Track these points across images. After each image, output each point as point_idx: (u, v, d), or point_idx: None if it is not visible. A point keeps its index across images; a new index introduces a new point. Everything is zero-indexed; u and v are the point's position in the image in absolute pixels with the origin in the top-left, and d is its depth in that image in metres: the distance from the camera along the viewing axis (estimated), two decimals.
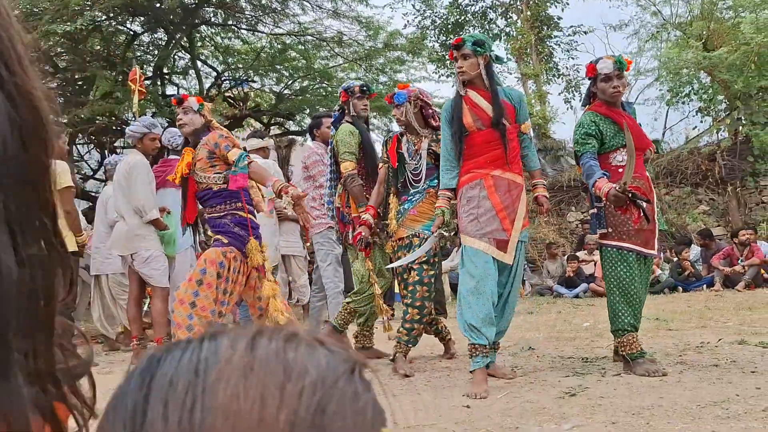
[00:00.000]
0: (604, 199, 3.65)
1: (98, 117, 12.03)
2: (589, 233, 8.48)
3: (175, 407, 0.39)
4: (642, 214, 3.63)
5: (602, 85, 3.84)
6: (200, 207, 4.19)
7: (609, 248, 3.84)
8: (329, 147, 4.94)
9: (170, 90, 14.44)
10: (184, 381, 0.40)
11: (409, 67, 14.51)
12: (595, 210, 3.91)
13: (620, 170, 3.77)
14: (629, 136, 3.53)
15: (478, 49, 3.69)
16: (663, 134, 13.50)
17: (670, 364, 3.90)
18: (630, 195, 3.53)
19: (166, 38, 13.19)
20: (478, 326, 3.58)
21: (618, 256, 3.81)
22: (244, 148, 4.18)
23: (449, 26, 16.15)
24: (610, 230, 3.83)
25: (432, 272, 4.20)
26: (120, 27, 12.99)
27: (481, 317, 3.58)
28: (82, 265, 5.87)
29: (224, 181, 3.93)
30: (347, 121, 4.76)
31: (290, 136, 14.75)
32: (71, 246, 5.18)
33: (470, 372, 3.62)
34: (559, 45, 16.10)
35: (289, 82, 14.59)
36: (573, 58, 16.78)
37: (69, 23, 9.47)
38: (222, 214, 3.96)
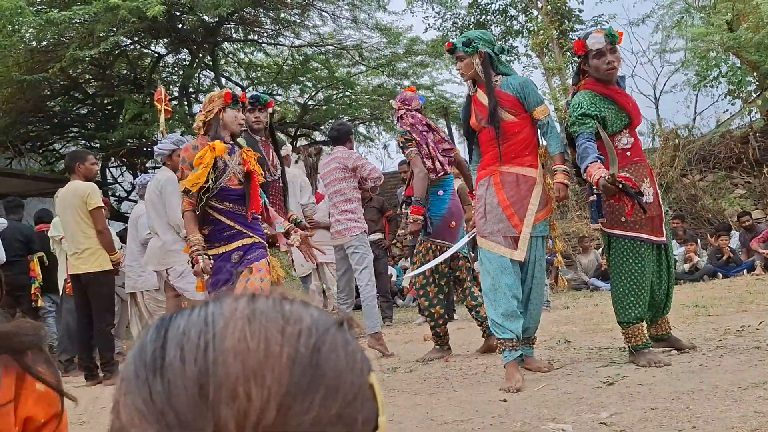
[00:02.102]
0: (594, 186, 3.45)
1: (129, 139, 12.27)
2: None
3: (190, 350, 0.45)
4: (636, 204, 3.38)
5: (595, 62, 3.57)
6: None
7: (619, 238, 3.64)
8: None
9: (196, 109, 14.67)
10: (195, 329, 0.46)
11: (433, 69, 14.51)
12: (594, 197, 3.68)
13: (628, 153, 3.65)
14: (605, 136, 3.40)
15: (467, 48, 3.66)
16: (693, 120, 13.24)
17: (710, 348, 3.83)
18: (620, 186, 3.30)
19: (190, 58, 13.41)
20: (501, 322, 3.56)
21: (629, 247, 3.62)
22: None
23: (470, 26, 16.08)
24: (604, 220, 3.65)
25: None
26: (144, 50, 13.25)
27: (501, 312, 3.57)
28: (119, 284, 5.99)
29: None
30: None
31: (319, 145, 14.87)
32: (106, 265, 5.29)
33: (504, 367, 3.60)
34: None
35: (313, 93, 14.71)
36: None
37: (95, 49, 9.70)
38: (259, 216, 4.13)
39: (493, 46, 3.72)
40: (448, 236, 4.68)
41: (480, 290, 4.53)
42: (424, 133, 4.73)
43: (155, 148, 5.51)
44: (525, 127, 3.68)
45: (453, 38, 16.19)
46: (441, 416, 3.05)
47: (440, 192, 4.71)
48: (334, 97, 14.74)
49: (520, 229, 3.63)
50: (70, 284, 5.80)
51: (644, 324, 3.72)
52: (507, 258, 3.61)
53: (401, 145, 4.82)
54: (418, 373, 4.25)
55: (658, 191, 3.78)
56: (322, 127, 15.67)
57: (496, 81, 3.70)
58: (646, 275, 3.65)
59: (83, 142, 14.31)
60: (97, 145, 13.65)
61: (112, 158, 13.05)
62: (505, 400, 3.21)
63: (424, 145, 4.68)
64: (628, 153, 3.68)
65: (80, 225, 5.33)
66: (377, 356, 5.12)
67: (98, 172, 5.62)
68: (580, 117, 3.55)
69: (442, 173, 4.70)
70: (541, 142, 3.84)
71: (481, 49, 3.64)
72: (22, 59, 9.56)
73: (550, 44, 14.91)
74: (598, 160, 3.42)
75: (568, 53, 14.09)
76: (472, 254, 5.12)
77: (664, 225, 3.72)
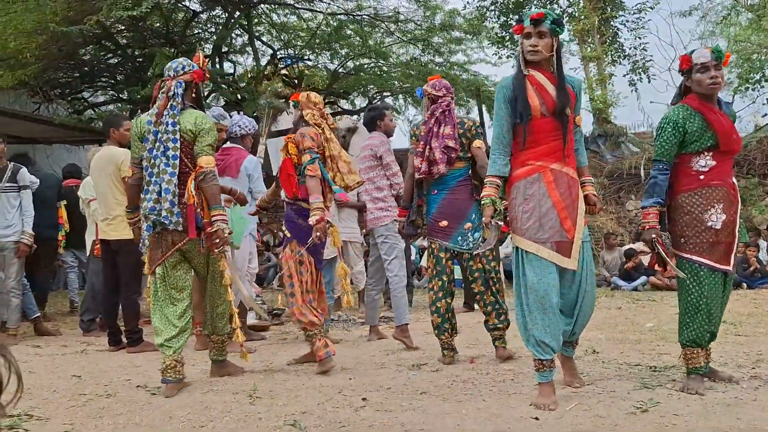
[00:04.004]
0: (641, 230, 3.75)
1: None
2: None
3: None
4: (659, 260, 3.68)
5: (699, 77, 3.57)
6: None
7: (682, 259, 3.65)
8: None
9: (228, 67, 14.56)
10: None
11: (467, 47, 14.27)
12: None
13: (701, 177, 3.59)
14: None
15: (557, 29, 3.42)
16: None
17: (744, 378, 3.77)
18: (656, 252, 3.63)
19: (225, 16, 13.25)
20: (548, 342, 3.40)
21: (689, 270, 3.61)
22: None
23: (510, 6, 15.75)
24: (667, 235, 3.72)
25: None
26: (179, 5, 13.10)
27: (549, 333, 3.40)
28: None
29: (299, 173, 4.34)
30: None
31: (352, 121, 14.76)
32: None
33: (537, 384, 3.53)
34: (625, 24, 15.52)
35: (344, 61, 14.53)
36: (639, 38, 16.04)
37: (136, 9, 9.62)
38: (290, 202, 4.40)
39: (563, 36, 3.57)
40: (440, 235, 4.50)
41: (494, 295, 4.45)
42: (433, 129, 4.52)
43: (239, 124, 5.53)
44: (572, 127, 3.56)
45: (492, 18, 15.70)
46: (472, 429, 3.02)
47: (434, 191, 4.54)
48: (366, 66, 14.56)
49: (572, 234, 3.44)
50: (98, 246, 5.81)
51: (700, 350, 3.63)
52: (554, 272, 3.41)
53: (411, 134, 4.78)
54: (444, 373, 4.22)
55: (737, 219, 3.64)
56: (350, 96, 15.53)
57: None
58: (703, 300, 3.58)
59: (111, 92, 14.29)
60: (126, 98, 13.62)
61: (139, 111, 12.98)
62: (537, 418, 3.18)
63: (422, 144, 4.53)
64: (701, 176, 3.59)
65: (113, 191, 5.31)
66: (401, 348, 5.10)
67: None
68: (667, 139, 3.63)
69: (437, 174, 4.46)
70: None
71: (560, 35, 3.46)
72: (60, 9, 9.46)
73: (590, 31, 14.59)
74: (658, 204, 3.65)
75: (607, 41, 13.81)
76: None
77: (733, 254, 3.63)
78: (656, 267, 3.72)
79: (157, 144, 3.83)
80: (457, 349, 4.62)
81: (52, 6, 9.40)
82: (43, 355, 5.23)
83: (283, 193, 4.86)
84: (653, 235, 3.64)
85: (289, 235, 4.41)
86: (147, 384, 4.07)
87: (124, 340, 5.40)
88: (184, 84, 3.94)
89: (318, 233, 4.12)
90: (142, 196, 3.97)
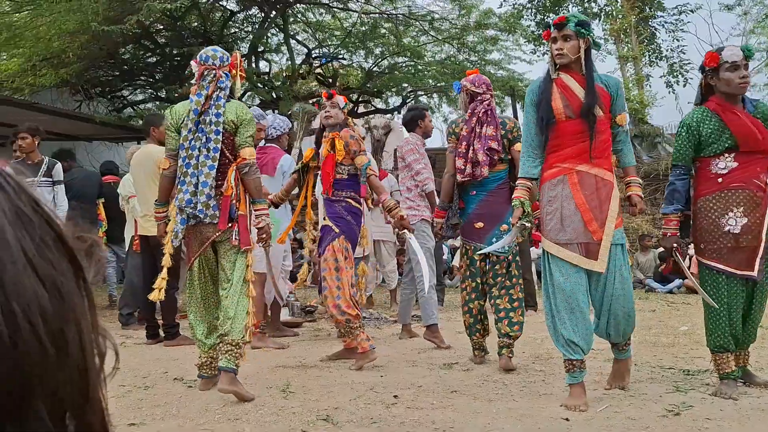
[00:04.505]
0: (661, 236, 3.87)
1: None
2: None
3: None
4: (672, 264, 3.82)
5: (728, 75, 3.50)
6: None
7: (702, 265, 3.64)
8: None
9: (263, 66, 14.74)
10: None
11: (502, 46, 14.20)
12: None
13: (719, 180, 3.56)
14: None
15: (582, 30, 3.41)
16: None
17: None
18: (675, 260, 3.79)
19: (261, 15, 13.40)
20: (577, 341, 3.40)
21: (708, 276, 3.60)
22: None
23: (547, 4, 15.60)
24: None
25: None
26: (217, 4, 13.30)
27: (579, 333, 3.41)
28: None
29: (347, 173, 4.46)
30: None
31: (386, 120, 14.80)
32: None
33: (567, 385, 3.54)
34: (663, 25, 15.24)
35: (379, 60, 14.58)
36: (678, 40, 15.75)
37: (173, 3, 9.80)
38: (338, 199, 4.46)
39: (593, 37, 3.55)
40: (475, 237, 4.48)
41: (511, 302, 4.33)
42: (475, 129, 4.46)
43: (273, 126, 5.60)
44: (608, 127, 3.53)
45: (529, 16, 15.58)
46: (503, 429, 3.04)
47: (473, 192, 4.49)
48: (400, 65, 14.59)
49: (598, 236, 3.40)
50: (137, 242, 5.95)
51: (729, 354, 3.60)
52: (582, 273, 3.42)
53: (448, 133, 4.70)
54: (476, 373, 4.25)
55: (764, 222, 3.53)
56: (384, 95, 15.57)
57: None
58: (723, 306, 3.55)
59: (150, 91, 14.55)
60: (163, 96, 13.87)
61: None
62: (567, 419, 3.19)
63: (463, 144, 4.47)
64: (720, 179, 3.55)
65: (152, 188, 5.41)
66: (432, 347, 5.13)
67: None
68: (684, 144, 3.65)
69: (480, 177, 4.42)
70: None
71: (588, 36, 3.45)
72: (101, 9, 9.68)
73: (627, 30, 14.40)
74: (678, 212, 3.68)
75: (645, 41, 13.62)
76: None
77: (758, 259, 3.53)
78: (669, 266, 3.91)
79: (198, 135, 3.68)
80: (488, 349, 4.63)
81: (94, 6, 9.62)
82: None
83: (318, 190, 4.93)
84: (673, 243, 3.70)
85: (337, 230, 4.41)
86: (183, 377, 4.17)
87: (162, 334, 5.52)
88: (230, 75, 3.82)
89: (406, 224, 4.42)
90: (177, 187, 3.80)
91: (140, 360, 4.81)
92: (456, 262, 10.47)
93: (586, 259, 3.44)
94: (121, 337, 5.87)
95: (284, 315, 6.43)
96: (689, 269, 5.09)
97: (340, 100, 4.57)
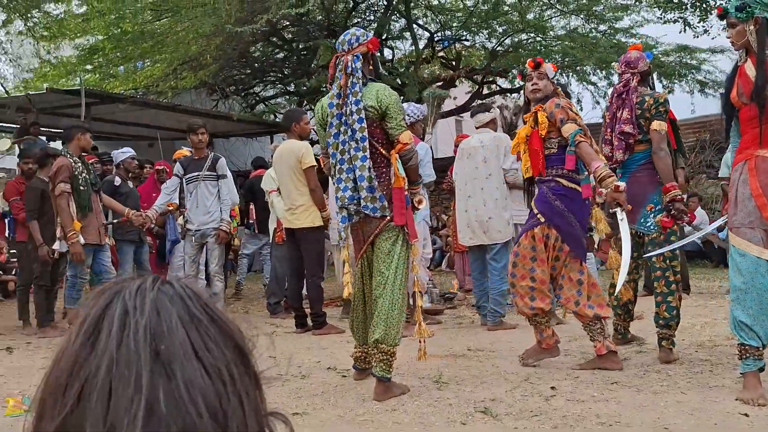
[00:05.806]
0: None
1: (323, 85, 12.68)
2: None
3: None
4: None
5: None
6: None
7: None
8: None
9: (386, 53, 14.80)
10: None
11: (633, 11, 13.44)
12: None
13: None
14: None
15: (740, 14, 3.23)
16: None
17: None
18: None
19: (384, 3, 13.47)
20: (750, 324, 3.17)
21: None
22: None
23: None
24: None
25: None
26: None
27: (752, 314, 3.18)
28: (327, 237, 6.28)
29: (556, 146, 3.98)
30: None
31: (513, 100, 14.50)
32: (318, 221, 5.54)
33: (740, 374, 3.29)
34: None
35: (502, 39, 14.24)
36: None
37: (301, 6, 10.10)
38: (546, 179, 4.03)
39: (761, 12, 3.25)
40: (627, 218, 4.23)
41: (668, 285, 4.08)
42: (615, 114, 4.22)
43: (407, 113, 5.31)
44: None
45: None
46: (674, 425, 2.86)
47: (618, 174, 4.22)
48: (524, 42, 14.19)
49: None
50: (280, 233, 6.16)
51: None
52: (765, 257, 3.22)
53: (603, 117, 4.50)
54: (634, 362, 4.04)
55: None
56: (509, 74, 15.21)
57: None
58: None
59: (279, 86, 15.07)
60: (293, 90, 14.32)
61: (307, 103, 13.58)
62: (747, 415, 2.96)
63: (608, 131, 4.27)
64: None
65: (295, 183, 5.59)
66: (583, 335, 4.94)
67: (312, 130, 5.75)
68: None
69: (615, 162, 4.19)
70: None
71: (757, 15, 3.20)
72: (234, 11, 10.10)
73: None
74: None
75: None
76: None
77: None
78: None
79: (343, 128, 3.52)
80: (628, 335, 4.54)
81: (227, 9, 10.04)
82: None
83: (519, 173, 4.74)
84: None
85: (542, 219, 4.00)
86: (336, 366, 4.26)
87: (310, 323, 5.69)
88: (361, 57, 3.57)
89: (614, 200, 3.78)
90: (335, 186, 3.64)
91: (291, 349, 4.97)
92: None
93: (757, 247, 3.24)
94: (270, 326, 6.11)
95: (425, 303, 6.45)
96: None
97: (549, 68, 4.10)
